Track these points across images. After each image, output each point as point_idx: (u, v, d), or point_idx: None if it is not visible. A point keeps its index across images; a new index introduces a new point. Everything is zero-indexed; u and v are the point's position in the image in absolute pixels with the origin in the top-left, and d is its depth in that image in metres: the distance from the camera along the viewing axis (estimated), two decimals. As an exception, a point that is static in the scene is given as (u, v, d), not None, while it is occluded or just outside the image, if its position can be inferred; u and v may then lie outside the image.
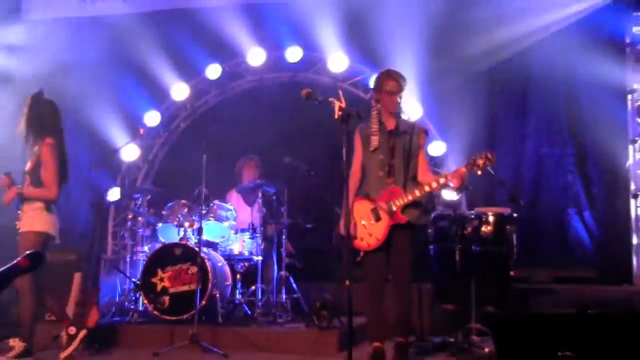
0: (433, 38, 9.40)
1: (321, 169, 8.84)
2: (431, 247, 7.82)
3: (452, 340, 7.15)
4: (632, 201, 9.08)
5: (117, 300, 9.09)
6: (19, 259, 3.39)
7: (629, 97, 9.17)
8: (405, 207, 6.32)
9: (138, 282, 8.38)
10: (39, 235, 6.82)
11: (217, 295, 8.16)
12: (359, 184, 6.61)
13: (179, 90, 10.68)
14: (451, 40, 9.51)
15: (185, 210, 8.68)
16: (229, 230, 8.88)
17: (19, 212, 6.96)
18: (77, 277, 7.37)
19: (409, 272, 6.48)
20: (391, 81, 6.46)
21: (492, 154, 6.14)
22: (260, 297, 8.55)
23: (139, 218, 9.38)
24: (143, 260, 8.72)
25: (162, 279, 8.21)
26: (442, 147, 9.36)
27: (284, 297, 8.66)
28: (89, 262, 7.71)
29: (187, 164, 8.87)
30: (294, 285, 8.84)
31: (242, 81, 10.86)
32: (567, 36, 9.20)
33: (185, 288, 8.09)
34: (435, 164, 9.09)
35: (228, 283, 8.57)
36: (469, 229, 7.50)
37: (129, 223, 9.86)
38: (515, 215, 7.65)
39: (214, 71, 10.58)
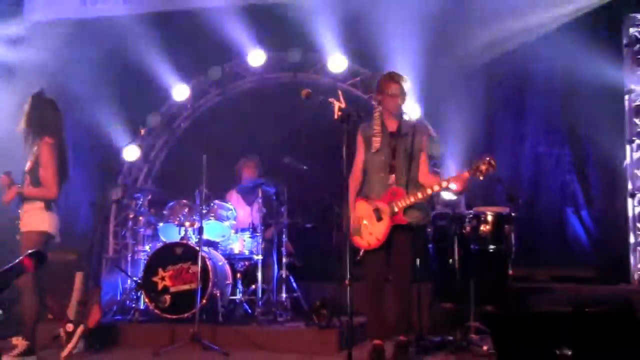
0: (431, 38, 9.43)
1: (321, 168, 8.88)
2: (430, 246, 7.85)
3: (451, 338, 7.16)
4: (630, 200, 9.10)
5: (119, 299, 9.08)
6: (21, 258, 3.43)
7: (627, 97, 9.19)
8: (406, 209, 6.36)
9: (139, 281, 8.41)
10: (39, 234, 6.82)
11: (218, 294, 8.17)
12: (360, 184, 6.65)
13: (180, 91, 10.72)
14: (449, 40, 9.54)
15: (186, 209, 8.72)
16: (230, 230, 8.91)
17: (20, 211, 6.97)
18: (79, 276, 7.38)
19: (409, 273, 6.52)
20: (394, 84, 6.49)
21: (494, 160, 6.18)
22: (260, 296, 8.54)
23: (140, 217, 9.39)
24: (144, 259, 8.74)
25: (163, 278, 8.23)
26: (442, 147, 9.38)
27: (284, 296, 8.68)
28: (90, 261, 7.73)
29: (188, 164, 8.87)
30: (294, 285, 8.86)
31: (242, 82, 10.90)
32: (564, 36, 9.23)
33: (186, 287, 8.11)
34: (434, 163, 9.12)
35: (228, 282, 8.59)
36: (468, 228, 7.54)
37: (130, 222, 9.90)
38: (513, 214, 7.67)
39: (214, 72, 10.61)
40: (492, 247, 7.55)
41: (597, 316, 3.63)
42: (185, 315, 7.89)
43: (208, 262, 8.10)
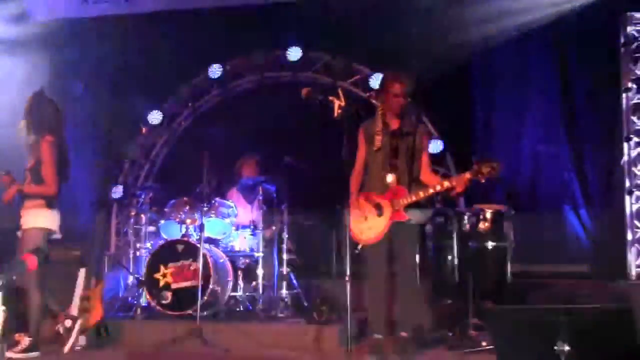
0: (430, 36, 9.48)
1: (321, 166, 8.88)
2: (430, 243, 7.88)
3: (450, 334, 7.17)
4: (627, 198, 9.12)
5: (121, 295, 9.15)
6: (24, 255, 3.49)
7: (624, 95, 9.20)
8: (407, 207, 6.41)
9: (141, 278, 8.47)
10: (40, 231, 6.86)
11: (219, 290, 8.25)
12: (362, 181, 6.69)
13: (181, 90, 10.73)
14: (448, 38, 9.56)
15: (187, 207, 8.74)
16: (230, 227, 8.95)
17: (21, 209, 7.00)
18: (82, 273, 7.45)
19: (411, 268, 6.56)
20: (397, 84, 6.49)
21: (498, 163, 6.20)
22: (261, 292, 8.62)
23: (142, 215, 9.45)
24: (146, 256, 8.77)
25: (164, 275, 8.27)
26: (440, 145, 9.43)
27: (285, 293, 8.69)
28: (93, 258, 7.77)
29: (189, 162, 8.91)
30: (294, 281, 8.89)
31: (243, 80, 10.94)
32: (562, 35, 9.28)
33: (188, 284, 8.15)
34: (433, 161, 9.16)
35: (229, 279, 8.61)
36: (467, 225, 7.54)
37: (132, 220, 9.95)
38: (512, 212, 7.72)
39: (215, 70, 10.65)
40: (491, 244, 7.56)
41: (594, 312, 3.67)
42: (187, 311, 7.93)
43: (209, 259, 8.15)
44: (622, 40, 9.24)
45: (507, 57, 9.60)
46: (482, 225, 7.60)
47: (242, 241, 8.97)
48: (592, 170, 9.53)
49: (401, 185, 6.45)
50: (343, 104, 5.69)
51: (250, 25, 10.29)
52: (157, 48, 10.44)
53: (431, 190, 6.42)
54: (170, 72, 10.72)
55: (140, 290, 8.62)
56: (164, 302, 8.18)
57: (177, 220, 8.75)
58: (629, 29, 9.22)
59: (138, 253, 9.48)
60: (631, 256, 9.00)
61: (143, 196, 9.40)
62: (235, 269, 8.80)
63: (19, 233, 7.00)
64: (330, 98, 5.75)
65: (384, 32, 9.58)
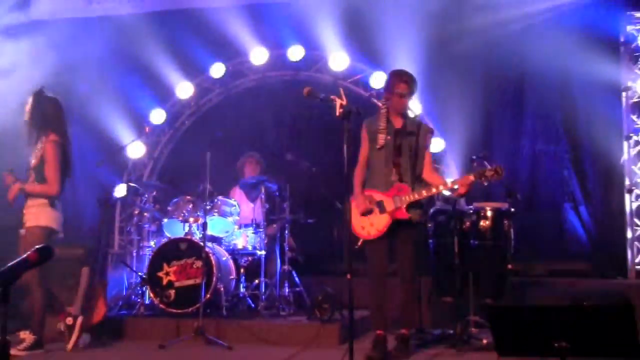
0: (431, 35, 9.48)
1: (322, 165, 8.94)
2: (430, 241, 7.89)
3: (451, 332, 7.19)
4: (627, 196, 9.15)
5: (124, 293, 9.18)
6: (28, 253, 3.52)
7: (624, 94, 9.24)
8: (409, 205, 6.47)
9: (144, 276, 8.47)
10: (43, 229, 6.93)
11: (222, 288, 8.24)
12: (364, 177, 6.73)
13: (184, 89, 10.75)
14: (448, 38, 9.58)
15: (190, 205, 8.75)
16: (233, 226, 8.96)
17: (24, 207, 7.06)
18: (85, 271, 7.49)
19: (413, 265, 6.62)
20: (402, 84, 6.56)
21: (502, 168, 6.30)
22: (263, 290, 8.64)
23: (145, 214, 9.50)
24: (149, 254, 8.76)
25: (167, 273, 8.28)
26: (441, 143, 9.46)
27: (287, 290, 8.73)
28: (97, 257, 7.81)
29: (192, 161, 8.97)
30: (297, 279, 8.91)
31: (245, 80, 10.92)
32: (562, 34, 9.29)
33: (191, 282, 8.16)
34: (434, 160, 9.18)
35: (232, 277, 8.67)
36: (468, 223, 7.59)
37: (135, 218, 10.01)
38: (512, 210, 7.73)
39: (217, 70, 10.66)
40: (491, 242, 7.62)
41: (594, 309, 3.70)
42: (190, 309, 7.95)
43: (212, 258, 8.17)
44: (622, 39, 9.30)
45: (508, 55, 9.61)
46: (483, 224, 7.64)
47: (245, 239, 8.95)
48: (591, 168, 9.57)
49: (404, 183, 6.51)
50: (344, 102, 5.72)
51: (252, 24, 10.33)
52: (159, 47, 10.46)
53: (434, 190, 6.51)
54: (173, 70, 10.71)
55: (144, 288, 8.63)
56: (167, 300, 8.19)
57: (180, 218, 8.77)
58: (629, 28, 9.27)
59: (141, 251, 9.52)
60: (631, 254, 9.04)
61: (146, 195, 9.43)
62: (237, 267, 8.82)
63: (21, 231, 7.07)
64: (331, 97, 5.78)
65: (385, 32, 9.60)
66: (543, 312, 3.85)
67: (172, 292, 8.23)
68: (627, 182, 9.19)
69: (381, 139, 6.56)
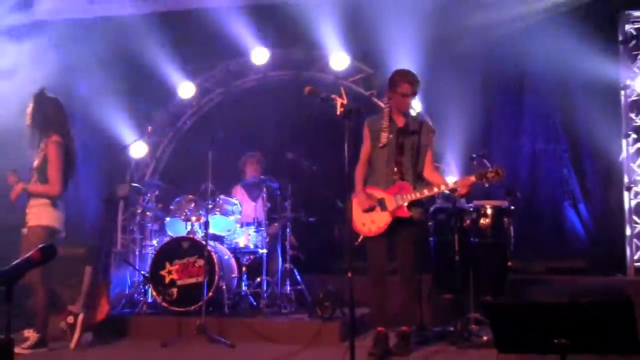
0: (431, 35, 9.46)
1: (323, 164, 8.96)
2: (431, 239, 7.94)
3: (451, 329, 7.20)
4: (626, 194, 9.19)
5: (127, 292, 9.20)
6: (31, 252, 3.56)
7: (622, 92, 9.28)
8: (410, 204, 6.52)
9: (147, 275, 8.50)
10: (45, 228, 6.97)
11: (224, 287, 8.27)
12: (365, 175, 6.78)
13: (185, 89, 10.77)
14: (448, 37, 9.57)
15: (192, 204, 8.77)
16: (235, 224, 8.99)
17: (26, 207, 7.10)
18: (88, 270, 7.53)
19: (413, 263, 6.66)
20: (406, 84, 6.59)
21: (502, 169, 6.33)
22: (265, 288, 8.67)
23: (148, 213, 9.53)
24: (152, 253, 8.79)
25: (170, 272, 8.32)
26: (441, 142, 9.48)
27: (288, 288, 8.76)
28: (100, 256, 7.83)
29: (194, 160, 9.00)
30: (298, 277, 8.94)
31: (246, 79, 10.95)
32: (561, 33, 9.33)
33: (193, 280, 8.19)
34: (434, 158, 9.20)
35: (234, 275, 8.70)
36: (468, 221, 7.65)
37: (138, 217, 10.00)
38: (512, 208, 7.78)
39: (219, 70, 10.71)
40: (491, 239, 7.67)
41: (592, 306, 3.71)
42: (192, 307, 7.97)
43: (214, 256, 8.20)
44: (621, 38, 9.34)
45: (507, 55, 9.64)
46: (483, 221, 7.71)
47: (247, 238, 8.98)
48: (590, 166, 9.60)
49: (406, 182, 6.55)
50: (345, 102, 5.74)
51: (253, 24, 10.33)
52: (161, 48, 10.48)
53: (436, 190, 6.55)
54: (175, 70, 10.73)
55: (146, 286, 8.67)
56: (169, 298, 8.22)
57: (182, 217, 8.78)
58: (627, 27, 9.31)
59: (144, 250, 9.53)
60: (630, 251, 9.08)
61: (149, 194, 9.47)
62: (239, 265, 8.85)
63: (23, 230, 7.10)
64: (332, 96, 5.80)
65: (386, 32, 9.62)
66: (543, 309, 3.85)
67: (175, 290, 8.26)
68: (625, 179, 9.21)
69: (384, 137, 6.60)
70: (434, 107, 9.59)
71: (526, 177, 9.76)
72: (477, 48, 9.55)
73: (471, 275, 7.38)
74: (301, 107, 9.22)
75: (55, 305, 7.21)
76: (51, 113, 7.20)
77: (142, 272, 8.79)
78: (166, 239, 8.76)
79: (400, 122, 6.71)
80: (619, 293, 7.68)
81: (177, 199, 8.96)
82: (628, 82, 9.25)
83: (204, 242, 8.01)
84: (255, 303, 8.58)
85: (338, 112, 5.72)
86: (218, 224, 8.93)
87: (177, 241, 8.53)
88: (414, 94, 6.68)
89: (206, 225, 8.04)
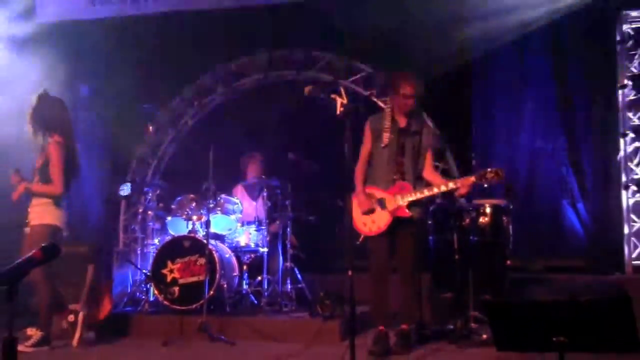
0: (430, 33, 9.54)
1: (324, 163, 8.96)
2: (430, 238, 7.94)
3: (451, 327, 7.20)
4: (624, 192, 9.21)
5: (129, 290, 9.21)
6: (34, 251, 3.59)
7: (620, 92, 9.29)
8: (410, 204, 6.56)
9: (149, 274, 8.53)
10: (47, 227, 7.00)
11: (225, 285, 8.31)
12: (365, 174, 6.82)
13: (187, 89, 10.78)
14: (447, 35, 9.62)
15: (194, 204, 8.80)
16: (236, 223, 9.03)
17: (29, 206, 7.13)
18: (91, 269, 7.58)
19: (413, 261, 6.69)
20: (408, 86, 6.60)
21: (502, 170, 6.37)
22: (266, 287, 8.72)
23: (149, 212, 9.53)
24: (153, 252, 8.82)
25: (171, 271, 8.35)
26: (441, 142, 9.49)
27: (289, 287, 8.81)
28: (103, 255, 7.87)
29: (195, 160, 9.01)
30: (299, 276, 8.99)
31: (247, 79, 10.97)
32: (560, 33, 9.37)
33: (194, 279, 8.22)
34: (433, 157, 9.20)
35: (235, 274, 8.73)
36: (467, 220, 7.63)
37: (140, 217, 10.03)
38: (511, 206, 7.79)
39: (220, 70, 10.73)
40: (490, 238, 7.67)
41: (591, 304, 3.71)
42: (194, 306, 7.98)
43: (215, 255, 8.22)
44: (618, 38, 9.37)
45: (506, 54, 9.67)
46: (482, 220, 7.69)
47: (247, 237, 9.02)
48: (589, 165, 9.63)
49: (406, 182, 6.59)
50: (345, 101, 5.76)
51: (254, 25, 10.36)
52: (162, 48, 10.52)
53: (436, 190, 6.58)
54: (177, 71, 10.79)
55: (148, 285, 8.70)
56: (171, 296, 8.25)
57: (184, 216, 8.82)
58: (625, 27, 9.33)
59: (146, 249, 9.55)
60: (628, 249, 9.11)
61: (150, 193, 9.49)
62: (240, 264, 8.89)
63: (25, 229, 7.14)
64: (333, 96, 5.81)
65: (385, 31, 9.64)
66: (541, 307, 3.85)
67: (176, 289, 8.29)
68: (623, 178, 9.24)
69: (386, 137, 6.63)
70: (434, 105, 9.58)
71: (525, 176, 9.78)
72: (476, 46, 9.55)
73: (470, 274, 7.37)
74: (302, 106, 9.23)
75: (58, 304, 7.25)
76: (54, 114, 7.23)
77: (144, 270, 8.81)
78: (168, 238, 8.80)
79: (402, 122, 6.74)
80: (617, 291, 7.69)
81: (179, 198, 8.99)
82: (625, 81, 9.27)
83: (205, 241, 8.06)
84: (256, 301, 8.61)
85: (338, 112, 5.74)
86: (219, 223, 8.96)
87: (178, 240, 8.57)
88: (416, 95, 6.68)
89: (207, 224, 8.11)
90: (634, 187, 9.21)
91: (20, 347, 6.60)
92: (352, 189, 6.70)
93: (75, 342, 7.13)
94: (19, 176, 7.18)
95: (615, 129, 9.31)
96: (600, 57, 9.22)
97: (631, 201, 9.21)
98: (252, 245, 9.00)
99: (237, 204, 9.08)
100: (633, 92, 9.27)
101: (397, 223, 6.62)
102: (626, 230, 9.15)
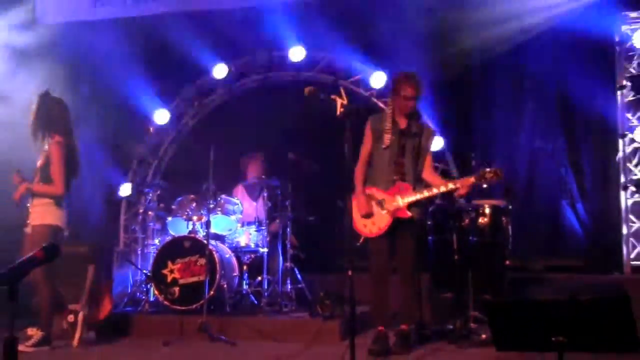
0: (430, 34, 9.55)
1: (324, 164, 8.95)
2: (430, 238, 7.95)
3: (450, 327, 7.20)
4: (622, 193, 9.23)
5: (129, 291, 9.21)
6: (35, 251, 3.60)
7: (619, 93, 9.32)
8: (410, 204, 6.56)
9: (149, 274, 8.54)
10: (48, 227, 7.00)
11: (225, 285, 8.32)
12: (365, 174, 6.81)
13: (187, 89, 10.80)
14: (448, 37, 9.62)
15: (194, 204, 8.81)
16: (236, 224, 9.03)
17: (28, 206, 7.13)
18: (91, 269, 7.59)
19: (413, 261, 6.70)
20: (409, 88, 6.59)
21: (501, 170, 6.38)
22: (266, 287, 8.71)
23: (150, 212, 9.56)
24: (154, 252, 8.83)
25: (172, 271, 8.36)
26: (440, 142, 9.52)
27: (289, 287, 8.81)
28: (103, 255, 7.87)
29: (195, 160, 9.01)
30: (299, 276, 8.99)
31: (247, 80, 10.98)
32: (559, 34, 9.38)
33: (195, 279, 8.23)
34: (433, 158, 9.21)
35: (235, 274, 8.74)
36: (466, 220, 7.63)
37: (140, 217, 10.05)
38: (510, 207, 7.78)
39: (220, 71, 10.73)
40: (489, 238, 7.66)
41: (590, 304, 3.70)
42: (194, 306, 7.99)
43: (215, 255, 8.22)
44: (617, 39, 9.39)
45: (506, 55, 9.69)
46: (481, 220, 7.68)
47: (248, 237, 9.02)
48: (588, 166, 9.65)
49: (406, 183, 6.60)
50: (345, 102, 5.78)
51: (254, 25, 10.37)
52: (162, 48, 10.53)
53: (435, 191, 6.58)
54: (178, 72, 10.80)
55: (148, 285, 8.71)
56: (171, 297, 8.26)
57: (184, 217, 8.83)
58: (624, 28, 9.35)
59: (146, 249, 9.59)
60: (626, 249, 9.13)
61: (151, 194, 9.50)
62: (240, 264, 8.89)
63: (26, 229, 7.15)
64: (333, 97, 5.83)
65: (385, 32, 9.66)
66: (541, 307, 3.86)
67: (177, 289, 8.31)
68: (622, 179, 9.26)
69: (387, 139, 6.62)
70: (433, 105, 9.60)
71: (524, 176, 9.79)
72: (476, 47, 9.57)
73: (470, 274, 7.38)
74: (302, 107, 9.24)
75: (58, 304, 7.26)
76: (55, 113, 7.24)
77: (144, 271, 8.81)
78: (168, 238, 8.81)
79: (402, 124, 6.74)
80: (617, 290, 7.69)
81: (179, 199, 9.00)
82: (624, 82, 9.29)
83: (205, 241, 8.06)
84: (256, 302, 8.60)
85: (338, 113, 5.75)
86: (219, 223, 8.97)
87: (179, 240, 8.58)
88: (416, 96, 6.68)
89: (207, 224, 8.11)
90: (632, 188, 9.21)
91: (20, 347, 6.59)
92: (352, 189, 6.69)
93: (75, 342, 7.15)
94: (20, 176, 7.19)
95: (614, 130, 9.32)
96: (600, 57, 9.22)
97: (630, 202, 9.23)
98: (252, 245, 8.99)
99: (238, 204, 9.09)
100: (632, 93, 9.29)
101: (397, 224, 6.62)
102: (625, 230, 9.18)
